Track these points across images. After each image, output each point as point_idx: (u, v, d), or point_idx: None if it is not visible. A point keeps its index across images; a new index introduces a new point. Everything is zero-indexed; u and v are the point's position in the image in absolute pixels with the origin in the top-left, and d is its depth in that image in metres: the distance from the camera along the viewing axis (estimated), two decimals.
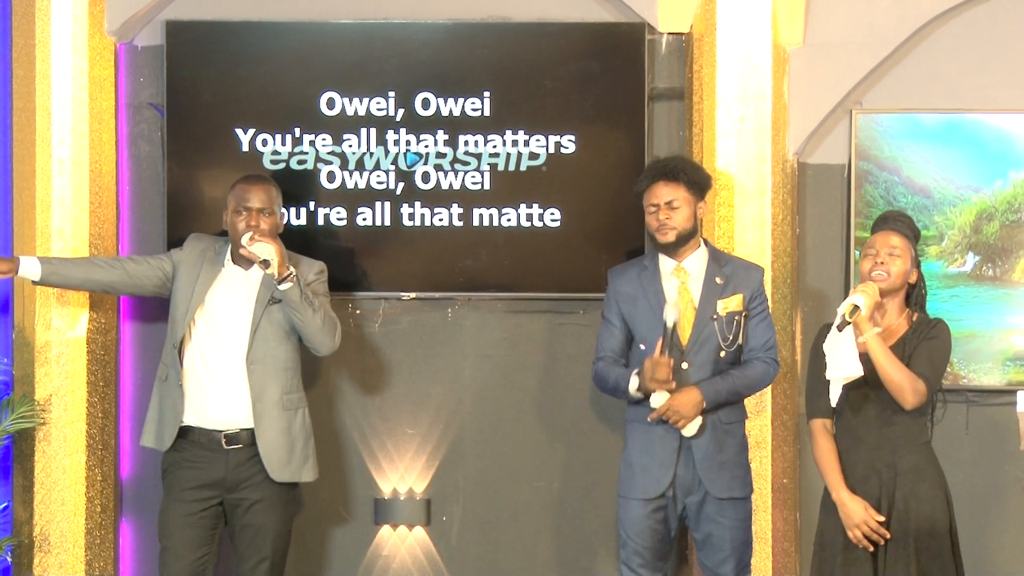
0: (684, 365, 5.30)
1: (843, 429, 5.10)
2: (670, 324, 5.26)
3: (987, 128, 6.03)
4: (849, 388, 5.03)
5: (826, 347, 4.99)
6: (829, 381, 5.01)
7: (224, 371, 5.48)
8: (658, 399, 5.26)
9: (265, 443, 5.47)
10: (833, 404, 5.02)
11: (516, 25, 6.10)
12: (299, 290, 5.42)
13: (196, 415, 5.49)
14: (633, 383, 5.31)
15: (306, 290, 5.47)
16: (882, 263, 5.06)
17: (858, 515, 4.97)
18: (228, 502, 5.51)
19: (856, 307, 4.92)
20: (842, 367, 4.94)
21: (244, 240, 5.40)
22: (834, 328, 4.95)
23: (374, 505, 6.14)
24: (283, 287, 5.40)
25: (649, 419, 5.28)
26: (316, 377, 6.13)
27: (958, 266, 6.06)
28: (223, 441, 5.47)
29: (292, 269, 5.41)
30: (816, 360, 5.12)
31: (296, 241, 6.06)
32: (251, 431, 5.48)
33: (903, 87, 6.08)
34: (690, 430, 5.27)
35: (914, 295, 5.14)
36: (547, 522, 6.16)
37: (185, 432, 5.51)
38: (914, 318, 5.11)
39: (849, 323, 4.92)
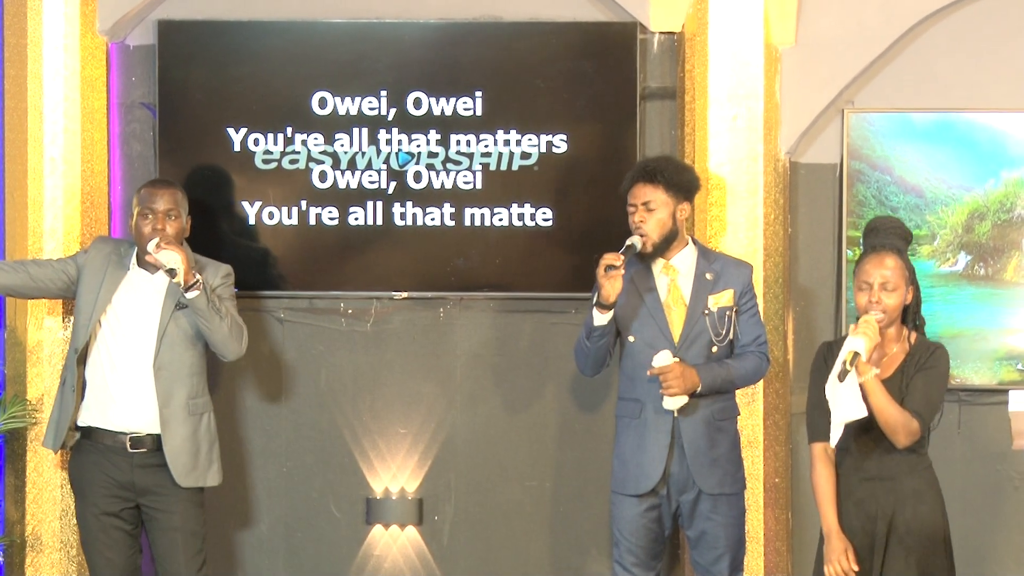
0: (675, 360, 5.30)
1: (844, 454, 5.04)
2: (638, 245, 5.26)
3: (979, 127, 6.03)
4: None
5: (828, 390, 4.89)
6: (821, 401, 4.95)
7: (130, 376, 5.47)
8: (662, 359, 5.24)
9: (171, 449, 5.46)
10: (833, 444, 4.91)
11: (508, 25, 6.10)
12: (206, 298, 5.41)
13: (100, 417, 5.48)
14: (593, 301, 5.26)
15: (212, 297, 5.45)
16: (877, 301, 4.91)
17: (837, 552, 4.90)
18: (142, 507, 5.51)
19: (857, 354, 4.83)
20: (846, 410, 4.83)
21: (150, 247, 5.37)
22: (834, 376, 4.87)
23: (366, 505, 6.14)
24: (190, 295, 5.39)
25: (648, 374, 5.25)
26: (307, 377, 6.14)
27: (950, 265, 6.06)
28: (127, 444, 5.46)
29: (199, 277, 5.40)
30: (816, 383, 5.01)
31: (287, 241, 6.08)
32: (156, 436, 5.46)
33: (895, 86, 6.09)
34: (673, 403, 5.24)
35: (910, 314, 5.01)
36: (539, 521, 6.16)
37: (88, 433, 5.50)
38: (912, 340, 4.99)
39: (850, 371, 4.81)
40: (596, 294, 5.25)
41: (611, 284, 5.19)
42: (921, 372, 4.93)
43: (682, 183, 5.37)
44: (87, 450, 5.52)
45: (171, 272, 5.35)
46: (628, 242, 5.29)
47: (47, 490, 5.86)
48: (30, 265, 5.58)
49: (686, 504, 5.33)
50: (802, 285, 6.11)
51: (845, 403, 4.82)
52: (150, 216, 5.46)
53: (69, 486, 5.77)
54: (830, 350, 5.00)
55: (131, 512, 5.53)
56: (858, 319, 4.92)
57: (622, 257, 5.19)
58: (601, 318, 5.27)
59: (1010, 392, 5.48)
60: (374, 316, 6.16)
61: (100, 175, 6.02)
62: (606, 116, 6.07)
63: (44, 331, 5.87)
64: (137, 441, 5.46)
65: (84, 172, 5.94)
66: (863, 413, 4.82)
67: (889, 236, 5.01)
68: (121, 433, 5.47)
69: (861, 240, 5.13)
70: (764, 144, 5.93)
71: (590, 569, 6.13)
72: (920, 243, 6.03)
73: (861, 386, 4.84)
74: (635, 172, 5.42)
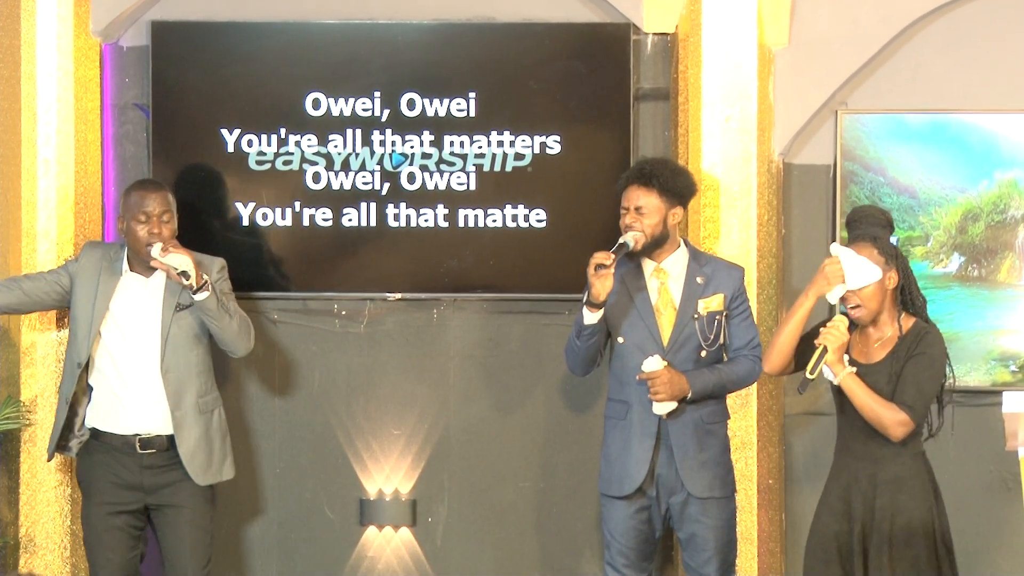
0: (665, 366, 5.30)
1: (840, 431, 5.07)
2: (630, 244, 5.26)
3: (972, 128, 6.03)
4: (841, 405, 5.00)
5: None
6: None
7: (138, 381, 5.47)
8: (651, 364, 5.24)
9: (186, 450, 5.47)
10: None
11: (501, 25, 6.10)
12: (215, 298, 5.41)
13: (110, 421, 5.48)
14: (584, 300, 5.26)
15: (221, 296, 5.45)
16: (852, 297, 4.95)
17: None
18: (152, 507, 5.51)
19: (825, 349, 4.86)
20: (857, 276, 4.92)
21: (155, 252, 5.35)
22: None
23: (359, 506, 6.13)
24: (199, 297, 5.38)
25: (637, 378, 5.26)
26: (301, 378, 6.14)
27: (943, 267, 6.05)
28: (137, 445, 5.46)
29: (207, 277, 5.40)
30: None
31: (281, 242, 6.08)
32: (167, 437, 5.47)
33: (888, 87, 6.08)
34: (661, 408, 5.25)
35: (902, 297, 5.00)
36: (532, 522, 6.16)
37: (97, 434, 5.50)
38: (905, 324, 4.98)
39: (812, 379, 4.85)
40: (587, 293, 5.25)
41: (601, 283, 5.19)
42: (911, 360, 4.93)
43: (677, 188, 5.35)
44: (95, 450, 5.52)
45: (184, 275, 5.33)
46: (620, 241, 5.29)
47: (41, 491, 5.86)
48: (23, 281, 5.57)
49: (676, 506, 5.33)
50: (795, 286, 6.10)
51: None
52: (144, 220, 5.44)
53: (63, 487, 5.80)
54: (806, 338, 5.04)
55: (136, 513, 5.53)
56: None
57: (612, 256, 5.19)
58: (591, 317, 5.27)
59: (1004, 393, 5.42)
60: (368, 317, 6.16)
61: (93, 176, 6.02)
62: (599, 117, 6.06)
63: (38, 333, 5.87)
64: (147, 442, 5.47)
65: (77, 173, 5.93)
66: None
67: (866, 225, 5.01)
68: (131, 435, 5.47)
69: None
70: (757, 145, 5.93)
71: (583, 570, 6.13)
72: (914, 244, 6.03)
73: (840, 387, 4.87)
74: (631, 173, 5.41)
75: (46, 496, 5.86)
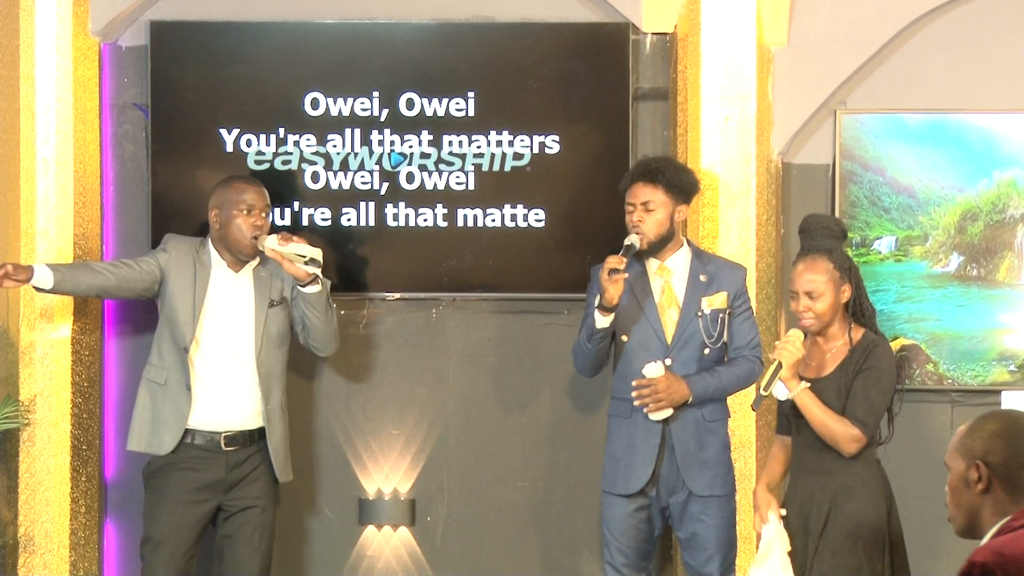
0: (668, 362, 5.30)
1: (794, 449, 5.05)
2: (636, 245, 5.26)
3: (971, 128, 6.03)
4: (796, 418, 4.98)
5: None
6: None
7: (232, 374, 5.51)
8: (652, 370, 5.24)
9: (274, 444, 5.54)
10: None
11: (500, 25, 6.10)
12: (326, 292, 5.46)
13: (199, 418, 5.50)
14: (596, 304, 5.25)
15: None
16: (805, 310, 4.92)
17: (764, 508, 4.96)
18: (225, 502, 5.53)
19: (779, 364, 4.84)
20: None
21: (272, 241, 5.39)
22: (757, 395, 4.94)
23: (358, 505, 6.13)
24: (310, 290, 5.45)
25: (634, 383, 5.26)
26: (301, 378, 6.13)
27: (942, 266, 6.06)
28: (222, 442, 5.48)
29: (318, 270, 5.42)
30: None
31: None
32: (250, 433, 5.51)
33: (887, 87, 6.08)
34: (658, 415, 5.26)
35: (852, 309, 4.97)
36: (532, 522, 6.16)
37: (182, 435, 5.51)
38: (855, 336, 4.95)
39: (765, 396, 4.85)
40: (599, 297, 5.24)
41: (615, 287, 5.19)
42: (860, 375, 4.90)
43: (682, 185, 5.37)
44: (176, 450, 5.50)
45: (311, 262, 5.37)
46: (626, 242, 5.29)
47: (40, 491, 5.85)
48: (120, 266, 5.58)
49: (676, 505, 5.33)
50: None
51: None
52: (247, 211, 5.47)
53: (62, 487, 5.79)
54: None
55: (208, 512, 5.53)
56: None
57: (625, 260, 5.19)
58: (603, 320, 5.27)
59: (1003, 393, 5.48)
60: (367, 317, 6.16)
61: (92, 176, 6.02)
62: (598, 117, 6.06)
63: (36, 332, 5.86)
64: (231, 439, 5.49)
65: (76, 173, 5.93)
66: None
67: (819, 237, 4.98)
68: (216, 432, 5.48)
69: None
70: (756, 145, 5.93)
71: (582, 570, 6.13)
72: (913, 244, 6.03)
73: (794, 402, 4.83)
74: (635, 171, 5.41)
75: (45, 496, 5.86)
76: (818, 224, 5.04)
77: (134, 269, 5.58)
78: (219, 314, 5.53)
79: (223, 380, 5.51)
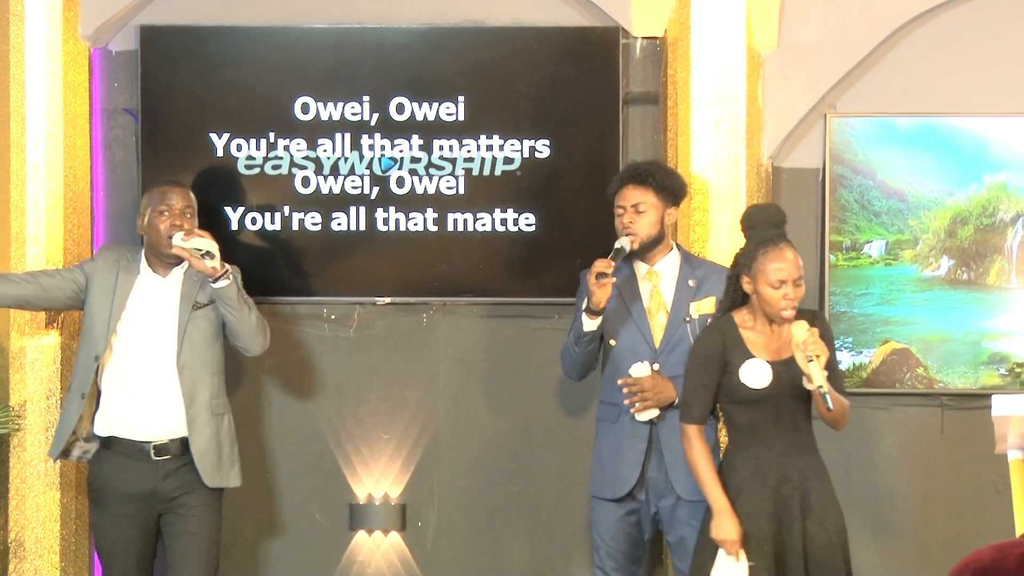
0: (656, 367, 5.30)
1: (752, 432, 4.99)
2: (626, 248, 5.25)
3: (961, 132, 6.03)
4: (756, 403, 4.97)
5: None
6: (706, 387, 4.96)
7: (153, 379, 5.44)
8: (638, 370, 5.24)
9: (198, 448, 5.43)
10: None
11: (490, 29, 6.10)
12: (236, 286, 5.40)
13: (122, 426, 5.45)
14: (583, 307, 5.25)
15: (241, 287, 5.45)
16: (797, 298, 4.92)
17: (733, 535, 4.89)
18: (164, 512, 5.48)
19: (821, 387, 4.82)
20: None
21: (177, 239, 5.34)
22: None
23: (349, 510, 6.13)
24: (219, 284, 5.37)
25: (619, 382, 5.26)
26: (290, 382, 6.13)
27: (932, 270, 6.06)
28: (152, 452, 5.44)
29: (228, 266, 5.38)
30: (696, 361, 5.01)
31: (270, 246, 6.08)
32: (180, 441, 5.44)
33: (877, 91, 6.09)
34: (644, 415, 5.26)
35: None
36: (522, 526, 6.15)
37: (108, 443, 5.47)
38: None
39: (825, 391, 4.79)
40: (586, 300, 5.25)
41: (603, 291, 5.19)
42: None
43: (672, 187, 5.37)
44: (106, 458, 5.48)
45: (208, 255, 5.30)
46: (617, 245, 5.29)
47: (30, 496, 5.85)
48: (40, 276, 5.55)
49: (665, 509, 5.32)
50: None
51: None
52: (167, 213, 5.43)
53: (52, 492, 5.79)
54: (722, 334, 4.98)
55: (151, 521, 5.49)
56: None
57: (613, 264, 5.19)
58: (591, 324, 5.27)
59: (993, 397, 5.44)
60: (357, 321, 6.16)
61: (83, 181, 6.02)
62: (589, 121, 6.07)
63: (27, 338, 5.86)
64: (161, 448, 5.43)
65: (67, 178, 5.93)
66: None
67: (765, 227, 4.98)
68: (144, 442, 5.43)
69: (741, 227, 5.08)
70: (747, 148, 5.93)
71: (572, 573, 6.13)
72: (903, 247, 6.04)
73: (827, 395, 4.82)
74: (625, 174, 5.42)
75: (35, 501, 5.85)
76: (763, 215, 5.03)
77: (55, 278, 5.54)
78: (139, 320, 5.46)
79: (144, 387, 5.43)
